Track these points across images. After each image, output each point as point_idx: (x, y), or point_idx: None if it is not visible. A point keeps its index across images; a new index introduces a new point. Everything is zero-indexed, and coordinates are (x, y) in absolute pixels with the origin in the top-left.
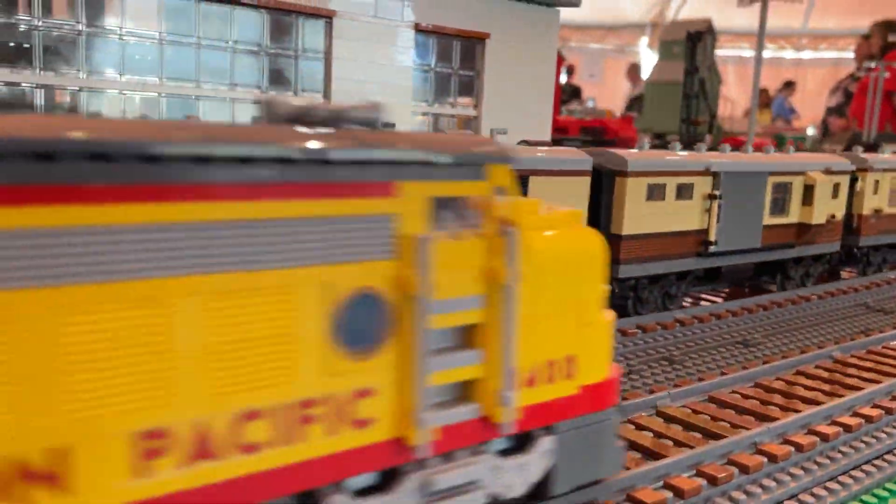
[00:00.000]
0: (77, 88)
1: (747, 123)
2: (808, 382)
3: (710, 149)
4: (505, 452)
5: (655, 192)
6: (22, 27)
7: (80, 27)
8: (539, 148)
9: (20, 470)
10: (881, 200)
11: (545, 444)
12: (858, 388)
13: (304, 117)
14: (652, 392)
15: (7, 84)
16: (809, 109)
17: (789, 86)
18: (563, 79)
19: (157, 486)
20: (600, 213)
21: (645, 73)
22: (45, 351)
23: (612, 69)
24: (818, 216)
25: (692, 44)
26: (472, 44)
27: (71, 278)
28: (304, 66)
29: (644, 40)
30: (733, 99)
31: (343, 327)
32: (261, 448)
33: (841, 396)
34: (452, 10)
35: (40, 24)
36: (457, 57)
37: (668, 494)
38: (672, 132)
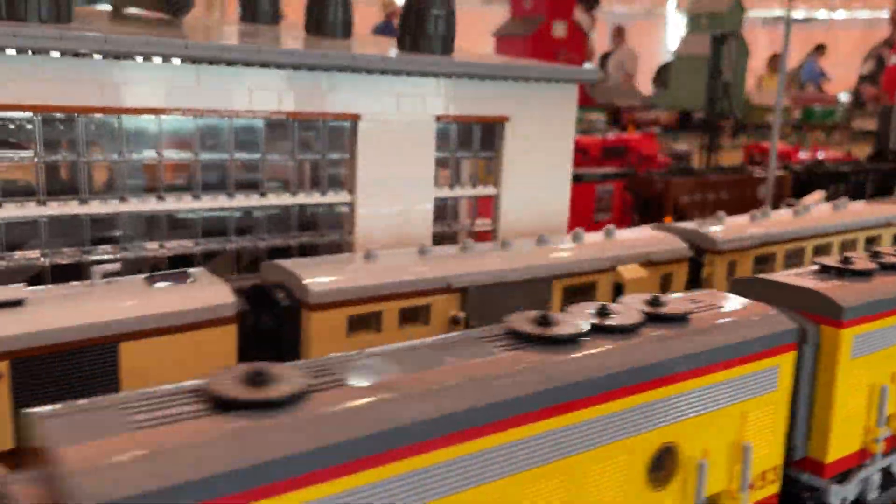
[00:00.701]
0: (121, 213)
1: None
2: None
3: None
4: None
5: (360, 325)
6: (69, 160)
7: (120, 157)
8: None
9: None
10: None
11: None
12: None
13: None
14: None
15: (60, 216)
16: (841, 72)
17: (820, 49)
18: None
19: None
20: None
21: (672, 43)
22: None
23: (638, 33)
24: None
25: (717, 46)
26: (492, 127)
27: None
28: (330, 166)
29: (672, 3)
30: (761, 73)
31: None
32: None
33: None
34: (472, 98)
35: (84, 159)
36: (477, 141)
37: None
38: (699, 108)
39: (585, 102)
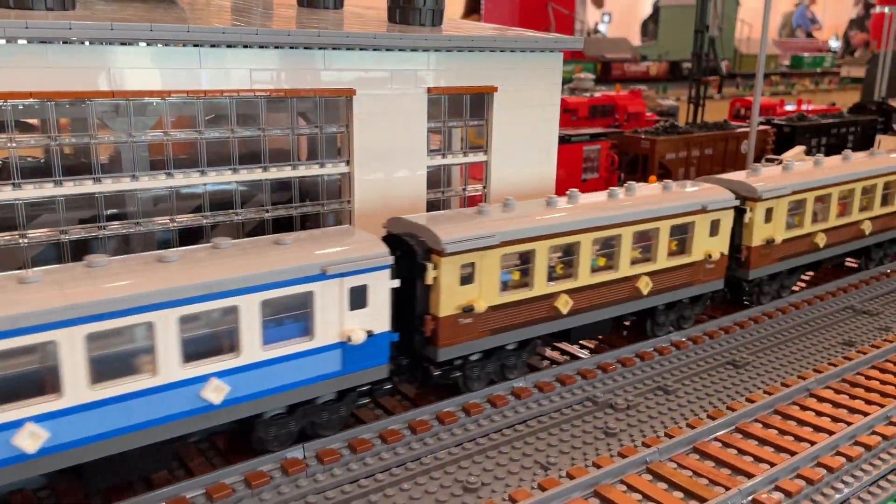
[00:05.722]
0: (132, 189)
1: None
2: (783, 425)
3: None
4: None
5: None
6: (82, 143)
7: (130, 138)
8: None
9: None
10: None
11: None
12: (829, 432)
13: None
14: (645, 445)
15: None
16: (831, 18)
17: None
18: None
19: None
20: None
21: None
22: None
23: None
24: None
25: (702, 2)
26: (481, 96)
27: None
28: (328, 139)
29: None
30: (751, 22)
31: None
32: None
33: (812, 443)
34: (461, 70)
35: (95, 141)
36: (467, 110)
37: None
38: (687, 59)
39: (576, 56)
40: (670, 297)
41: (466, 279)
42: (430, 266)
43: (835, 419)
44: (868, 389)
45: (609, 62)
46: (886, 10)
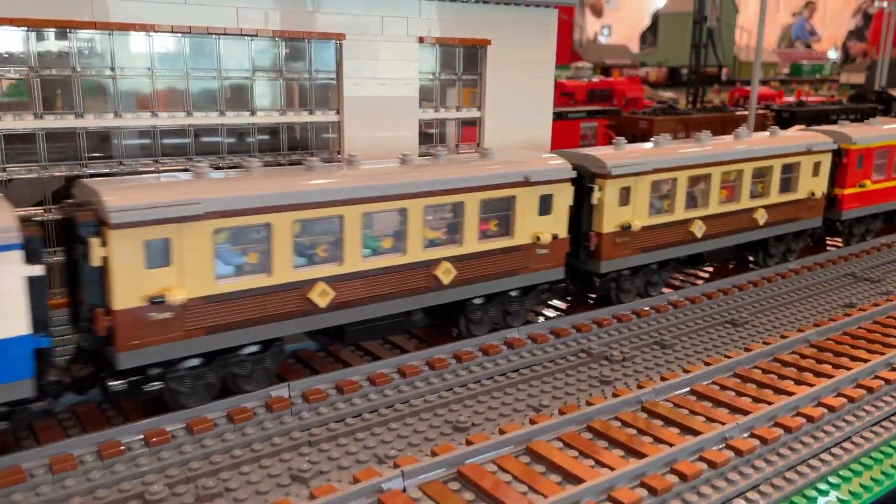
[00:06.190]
0: (115, 126)
1: (767, 52)
2: (783, 371)
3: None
4: None
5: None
6: (66, 73)
7: (112, 72)
8: None
9: None
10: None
11: None
12: (829, 376)
13: None
14: (640, 387)
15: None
16: (830, 30)
17: (809, 6)
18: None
19: None
20: None
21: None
22: None
23: None
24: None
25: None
26: (475, 50)
27: None
28: (317, 86)
29: None
30: (749, 29)
31: None
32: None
33: (811, 385)
34: (454, 21)
35: (78, 73)
36: (460, 63)
37: (644, 493)
38: (686, 65)
39: (575, 60)
40: (486, 288)
41: (157, 261)
42: (95, 242)
43: (836, 366)
44: (870, 341)
45: (609, 68)
46: (885, 5)
